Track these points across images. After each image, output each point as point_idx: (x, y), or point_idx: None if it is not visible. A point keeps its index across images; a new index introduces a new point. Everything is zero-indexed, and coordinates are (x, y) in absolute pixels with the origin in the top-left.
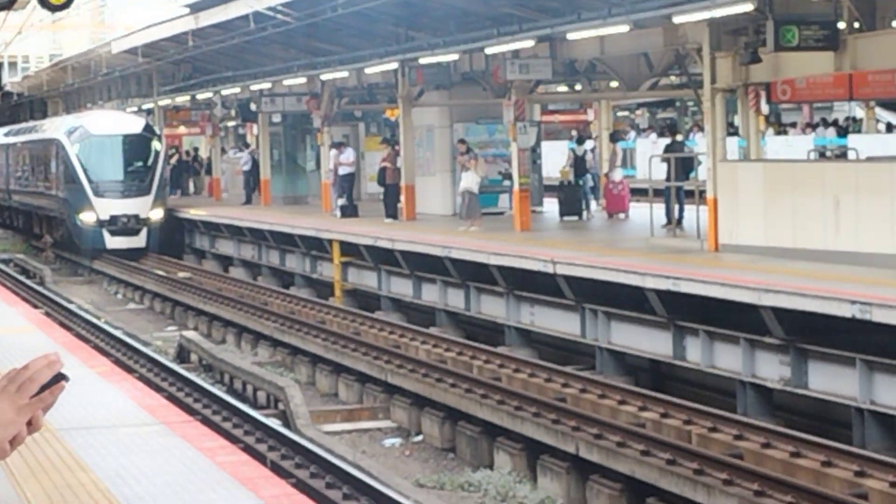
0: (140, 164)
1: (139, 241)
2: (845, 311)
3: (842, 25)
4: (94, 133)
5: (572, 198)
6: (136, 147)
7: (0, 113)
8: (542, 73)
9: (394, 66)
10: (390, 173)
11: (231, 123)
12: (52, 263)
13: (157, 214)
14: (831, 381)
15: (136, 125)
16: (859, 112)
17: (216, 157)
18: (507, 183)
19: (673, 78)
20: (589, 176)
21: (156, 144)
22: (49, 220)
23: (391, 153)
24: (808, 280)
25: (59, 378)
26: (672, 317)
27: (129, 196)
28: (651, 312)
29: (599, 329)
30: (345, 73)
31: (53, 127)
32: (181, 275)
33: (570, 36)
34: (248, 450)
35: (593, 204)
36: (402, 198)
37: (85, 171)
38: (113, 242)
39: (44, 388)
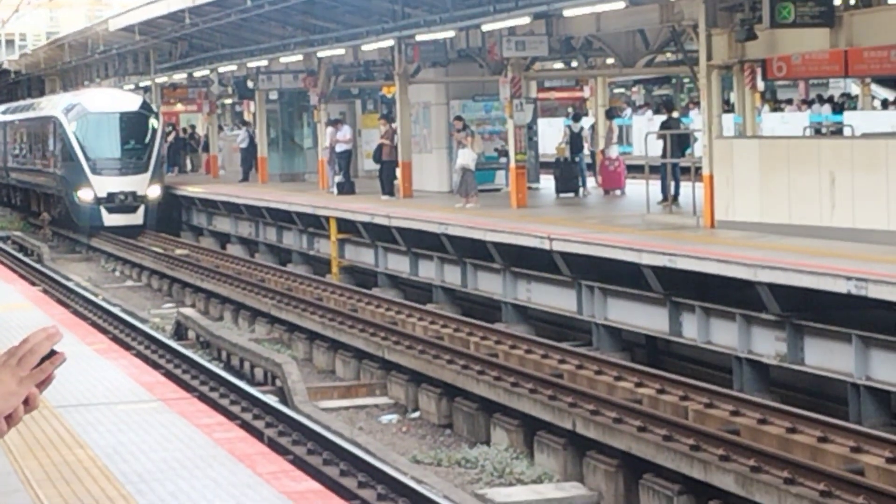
0: (137, 141)
1: (136, 218)
2: (841, 287)
3: (838, 2)
4: (91, 111)
5: (569, 174)
6: (133, 124)
7: None
8: (539, 50)
9: (390, 43)
10: (387, 150)
11: (228, 101)
12: (50, 241)
13: (154, 192)
14: (827, 357)
15: (133, 103)
16: (855, 89)
17: (213, 135)
18: (503, 160)
19: (669, 55)
20: (590, 153)
21: (153, 122)
22: (47, 198)
23: (389, 130)
24: (804, 256)
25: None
26: (668, 293)
27: (126, 173)
28: (647, 289)
29: (596, 305)
30: (341, 51)
31: (51, 105)
32: (179, 252)
33: (567, 13)
34: (245, 426)
35: (590, 180)
36: (399, 174)
37: (82, 148)
38: (110, 220)
39: (43, 360)
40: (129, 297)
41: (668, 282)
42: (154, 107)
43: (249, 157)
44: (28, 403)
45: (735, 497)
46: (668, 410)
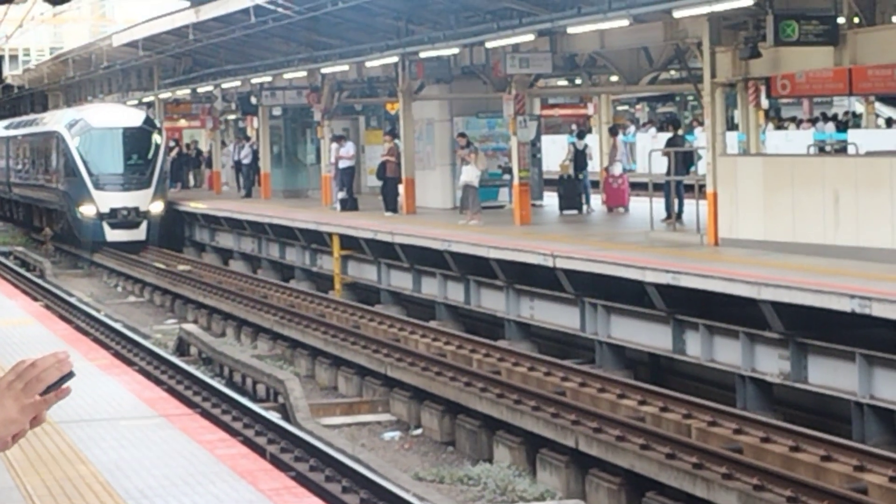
0: (140, 157)
1: (139, 233)
2: (845, 305)
3: (842, 20)
4: (94, 126)
5: (572, 192)
6: (136, 140)
7: (1, 106)
8: (542, 67)
9: (394, 59)
10: (391, 167)
11: (231, 117)
12: (52, 256)
13: (157, 207)
14: (831, 376)
15: (136, 118)
16: (859, 107)
17: (216, 151)
18: (506, 177)
19: (673, 72)
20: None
21: (156, 137)
22: (49, 213)
23: (393, 147)
24: (808, 274)
25: (66, 378)
26: (671, 311)
27: (129, 189)
28: (651, 306)
29: (599, 323)
30: (345, 67)
31: (54, 120)
32: (181, 268)
33: (571, 30)
34: (247, 443)
35: (594, 198)
36: (402, 191)
37: (85, 163)
38: (113, 235)
39: (50, 387)
40: (132, 312)
41: (672, 299)
42: (157, 122)
43: (252, 172)
44: (35, 418)
45: None
46: (671, 428)
